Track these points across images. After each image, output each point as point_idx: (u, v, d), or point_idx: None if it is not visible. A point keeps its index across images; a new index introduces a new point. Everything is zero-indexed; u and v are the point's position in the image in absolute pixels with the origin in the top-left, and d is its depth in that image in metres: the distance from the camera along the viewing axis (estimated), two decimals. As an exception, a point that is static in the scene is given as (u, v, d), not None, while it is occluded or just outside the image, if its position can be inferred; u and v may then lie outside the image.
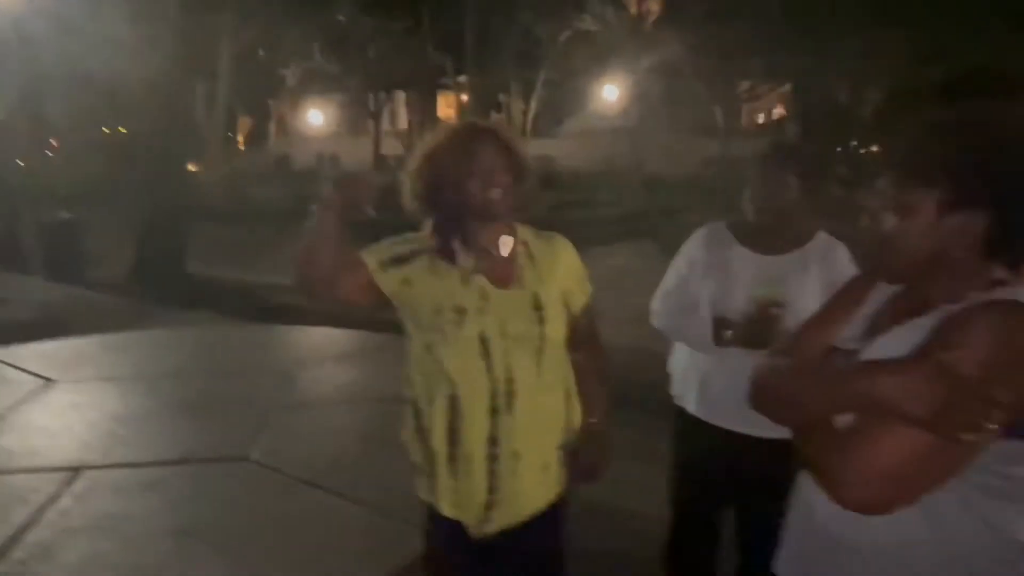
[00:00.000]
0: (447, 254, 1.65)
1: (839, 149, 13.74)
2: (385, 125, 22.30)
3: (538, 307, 1.66)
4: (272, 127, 25.93)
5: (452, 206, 1.63)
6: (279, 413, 4.04)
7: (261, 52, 20.75)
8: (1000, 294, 0.98)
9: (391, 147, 21.73)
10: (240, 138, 25.17)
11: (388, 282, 1.66)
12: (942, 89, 11.46)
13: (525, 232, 1.75)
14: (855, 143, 14.51)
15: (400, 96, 24.31)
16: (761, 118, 22.86)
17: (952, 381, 0.90)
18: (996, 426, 0.88)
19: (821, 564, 1.14)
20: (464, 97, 17.30)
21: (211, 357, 5.14)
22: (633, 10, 17.84)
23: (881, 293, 1.18)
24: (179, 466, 3.31)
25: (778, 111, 21.86)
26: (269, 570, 2.54)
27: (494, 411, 1.62)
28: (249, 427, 3.78)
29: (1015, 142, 0.97)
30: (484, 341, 1.61)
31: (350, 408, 4.24)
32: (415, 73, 20.03)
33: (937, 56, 12.55)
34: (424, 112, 21.14)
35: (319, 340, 5.58)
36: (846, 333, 1.17)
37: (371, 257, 1.67)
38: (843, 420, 1.02)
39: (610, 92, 17.18)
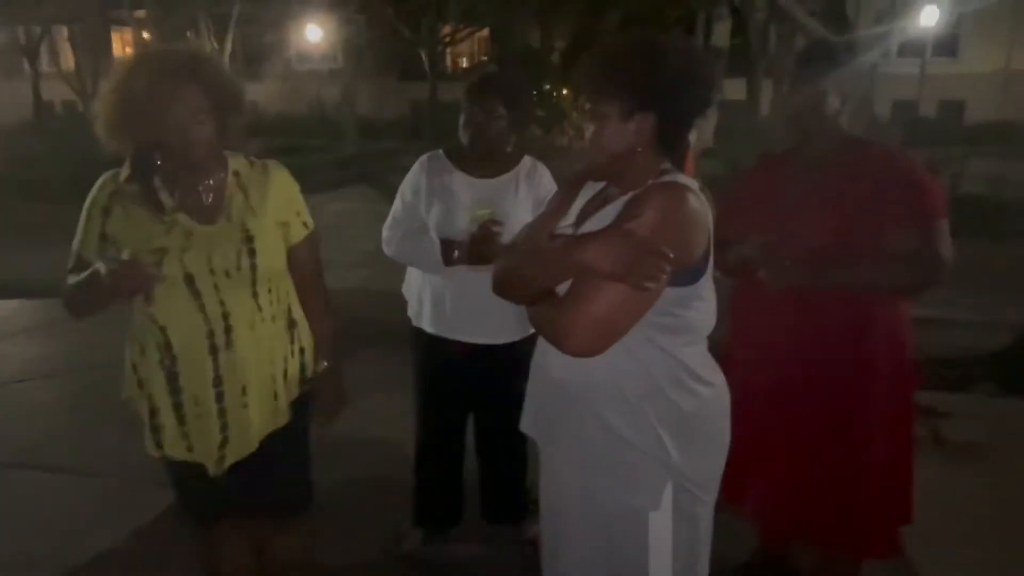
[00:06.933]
0: (148, 195, 1.52)
1: (535, 92, 14.84)
2: (47, 66, 18.77)
3: (248, 239, 1.59)
4: None
5: (151, 149, 1.49)
6: (-41, 399, 3.49)
7: None
8: (666, 179, 1.30)
9: (56, 91, 18.51)
10: None
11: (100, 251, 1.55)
12: (614, 33, 13.61)
13: (237, 161, 1.65)
14: (548, 87, 15.76)
15: (62, 31, 20.60)
16: (465, 62, 23.62)
17: (634, 242, 1.18)
18: (666, 276, 1.16)
19: (556, 409, 1.42)
20: (145, 34, 15.20)
21: None
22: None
23: (588, 190, 1.47)
24: None
25: (479, 56, 22.76)
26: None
27: (214, 349, 1.56)
28: (-79, 420, 3.22)
29: (666, 62, 1.29)
30: (191, 280, 1.53)
31: (49, 382, 3.79)
32: (78, 4, 17.14)
33: (610, 7, 14.57)
34: (97, 50, 18.21)
35: (-1, 314, 4.81)
36: (564, 222, 1.45)
37: (89, 252, 1.55)
38: (564, 288, 1.29)
39: (313, 33, 16.39)
